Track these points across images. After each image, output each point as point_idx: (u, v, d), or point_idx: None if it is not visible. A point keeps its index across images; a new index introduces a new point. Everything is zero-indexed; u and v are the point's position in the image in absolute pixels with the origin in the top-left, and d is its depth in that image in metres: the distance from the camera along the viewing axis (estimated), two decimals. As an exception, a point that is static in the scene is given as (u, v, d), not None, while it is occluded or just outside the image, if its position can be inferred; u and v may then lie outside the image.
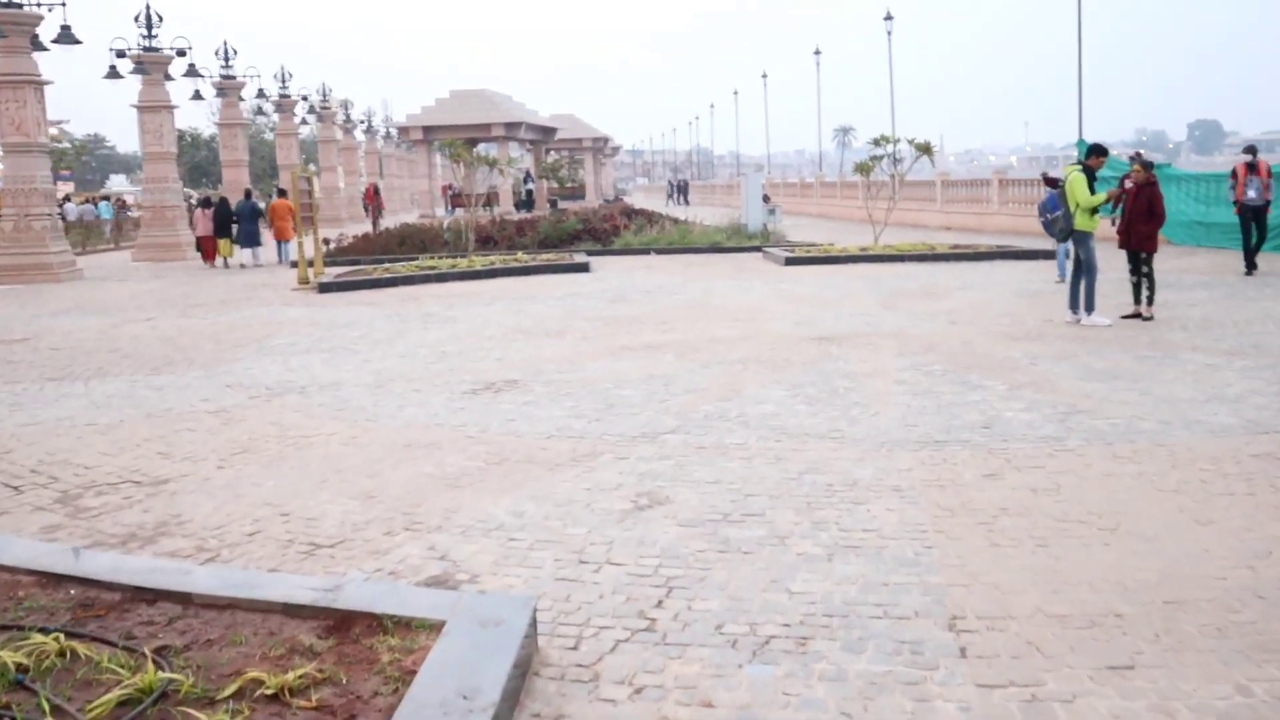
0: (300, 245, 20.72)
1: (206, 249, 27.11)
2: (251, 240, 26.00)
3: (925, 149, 23.09)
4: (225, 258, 26.41)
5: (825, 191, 47.33)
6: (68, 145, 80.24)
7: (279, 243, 26.13)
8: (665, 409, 8.43)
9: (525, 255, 22.59)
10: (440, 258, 22.76)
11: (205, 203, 27.60)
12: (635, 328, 13.09)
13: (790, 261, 21.50)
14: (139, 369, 11.23)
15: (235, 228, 26.18)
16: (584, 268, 21.33)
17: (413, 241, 26.34)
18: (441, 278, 20.21)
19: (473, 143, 46.40)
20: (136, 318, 16.13)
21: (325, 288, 19.20)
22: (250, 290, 20.04)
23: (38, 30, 23.96)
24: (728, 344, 11.55)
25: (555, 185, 56.35)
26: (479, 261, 21.58)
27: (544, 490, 6.33)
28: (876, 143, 23.81)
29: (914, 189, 32.89)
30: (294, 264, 21.61)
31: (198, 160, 66.41)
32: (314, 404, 9.09)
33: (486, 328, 13.53)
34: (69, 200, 48.07)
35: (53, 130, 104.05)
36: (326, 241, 27.47)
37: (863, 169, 25.14)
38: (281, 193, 27.97)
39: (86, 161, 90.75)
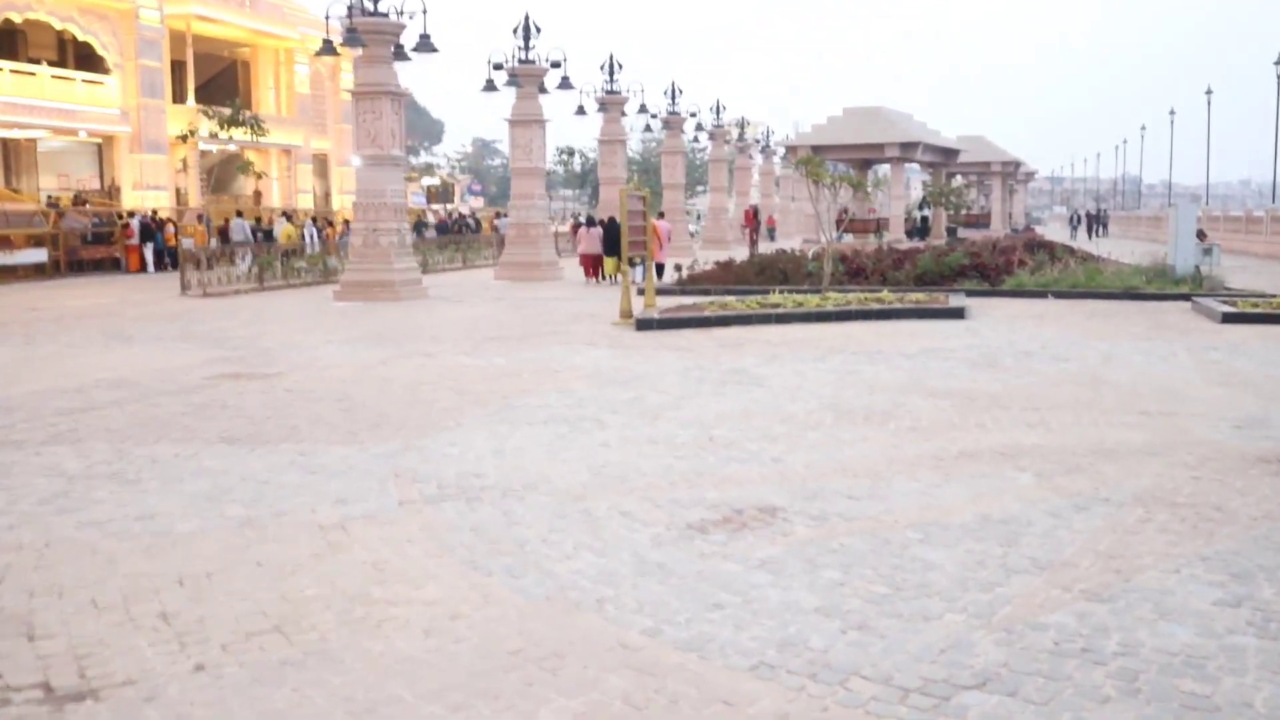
0: (625, 274, 18.27)
1: (587, 266, 27.31)
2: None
3: None
4: (611, 275, 25.62)
5: (1278, 228, 39.97)
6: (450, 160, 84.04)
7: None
8: (990, 604, 4.90)
9: (890, 294, 19.02)
10: (796, 292, 19.65)
11: (589, 221, 27.65)
12: (991, 415, 9.39)
13: (1229, 319, 16.68)
14: (330, 434, 8.89)
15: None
16: (958, 313, 17.53)
17: (772, 271, 23.37)
18: (782, 318, 17.10)
19: (865, 164, 43.04)
20: (417, 351, 14.14)
21: (643, 325, 16.58)
22: (571, 321, 17.82)
23: (400, 40, 23.16)
24: (1123, 461, 7.68)
25: (955, 212, 51.68)
26: (832, 300, 18.27)
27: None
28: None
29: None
30: (640, 291, 19.33)
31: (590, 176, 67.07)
32: (465, 527, 6.24)
33: (792, 399, 10.27)
34: (459, 215, 49.37)
35: (465, 146, 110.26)
36: (679, 268, 25.22)
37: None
38: (659, 214, 27.66)
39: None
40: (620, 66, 36.72)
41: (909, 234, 43.32)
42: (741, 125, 56.33)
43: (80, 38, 36.61)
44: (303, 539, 6.01)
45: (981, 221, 53.40)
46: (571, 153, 75.42)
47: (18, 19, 34.62)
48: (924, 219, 47.53)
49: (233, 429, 9.11)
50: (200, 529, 6.23)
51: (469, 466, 7.68)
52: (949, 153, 45.93)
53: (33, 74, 35.39)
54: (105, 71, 37.32)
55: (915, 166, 47.63)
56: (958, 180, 57.19)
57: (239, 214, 33.48)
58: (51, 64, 37.08)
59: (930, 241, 35.84)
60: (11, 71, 34.70)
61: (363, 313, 19.79)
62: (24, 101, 34.44)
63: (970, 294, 20.41)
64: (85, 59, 38.06)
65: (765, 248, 34.35)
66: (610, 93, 36.58)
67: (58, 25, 35.80)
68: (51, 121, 35.88)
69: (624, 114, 37.98)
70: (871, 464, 7.67)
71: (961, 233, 44.86)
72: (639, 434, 8.75)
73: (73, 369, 12.86)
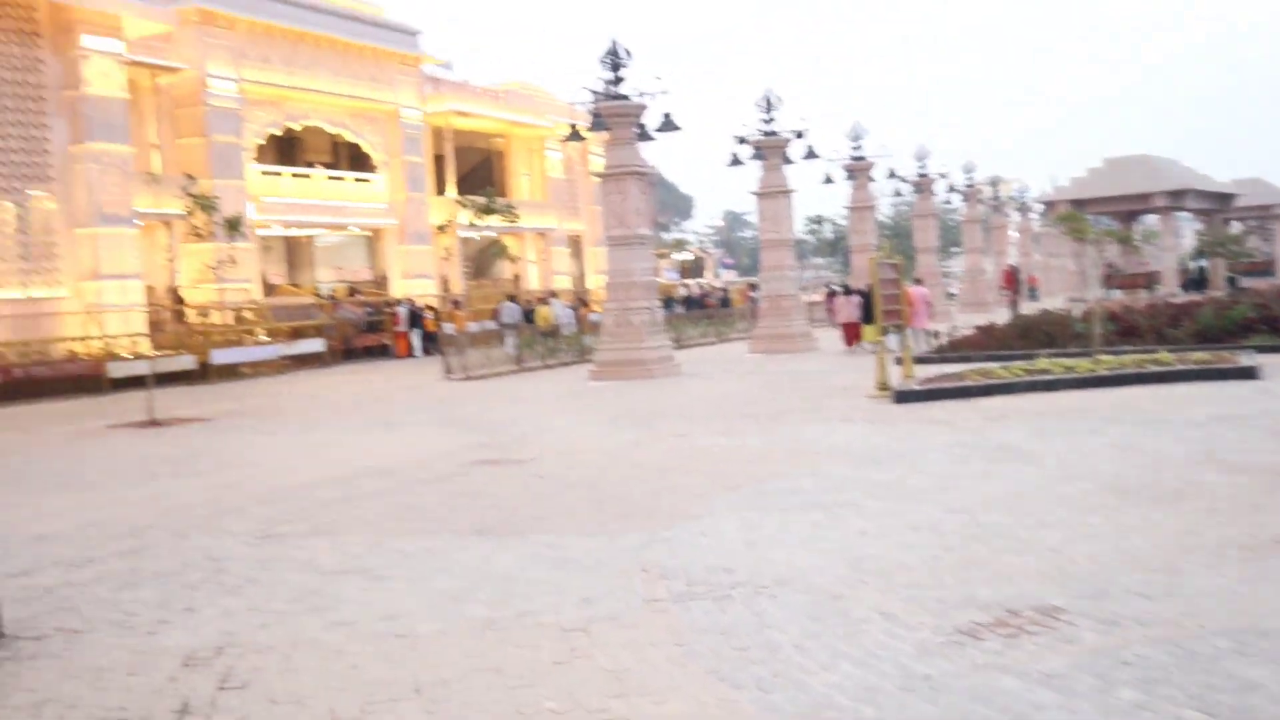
0: (880, 344, 17.62)
1: (847, 335, 27.34)
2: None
3: None
4: (869, 342, 25.19)
5: None
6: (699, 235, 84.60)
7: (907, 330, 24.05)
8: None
9: (1169, 355, 17.60)
10: (1063, 356, 18.51)
11: (845, 289, 27.97)
12: (1304, 493, 8.34)
13: None
14: (579, 524, 8.72)
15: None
16: (1248, 373, 16.04)
17: (1036, 334, 22.16)
18: (1050, 385, 16.05)
19: (1130, 215, 40.87)
20: (669, 431, 13.97)
21: (902, 397, 15.89)
22: (826, 394, 17.32)
23: (643, 120, 23.47)
24: None
25: (1235, 260, 48.19)
26: (1105, 363, 17.05)
27: None
28: None
29: None
30: (898, 360, 18.66)
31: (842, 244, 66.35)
32: (713, 630, 5.86)
33: (1068, 478, 9.45)
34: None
35: (716, 220, 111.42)
36: (936, 334, 24.34)
37: None
38: (917, 281, 27.15)
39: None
40: (866, 132, 36.25)
41: (1184, 287, 40.69)
42: (994, 184, 54.52)
43: (350, 140, 39.00)
44: (544, 643, 5.78)
45: (1265, 269, 49.60)
46: (820, 221, 75.04)
47: (297, 128, 37.22)
48: (1200, 270, 44.58)
49: (485, 519, 9.08)
50: (442, 630, 6.09)
51: (718, 559, 7.32)
52: (1223, 197, 43.04)
53: (309, 176, 37.91)
54: (373, 169, 39.58)
55: (1186, 214, 44.74)
56: (1235, 226, 53.41)
57: (511, 298, 34.66)
58: (325, 166, 39.65)
59: (1209, 294, 33.46)
60: (292, 175, 37.28)
61: (617, 392, 19.88)
62: (303, 202, 36.88)
63: (1261, 350, 18.71)
64: (355, 159, 40.50)
65: (1027, 308, 32.83)
66: (856, 159, 36.13)
67: (331, 130, 38.25)
68: (327, 219, 38.25)
69: (871, 179, 37.37)
70: (1165, 554, 6.86)
71: (1243, 282, 41.73)
72: (900, 521, 8.19)
73: (341, 457, 13.30)
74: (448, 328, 30.96)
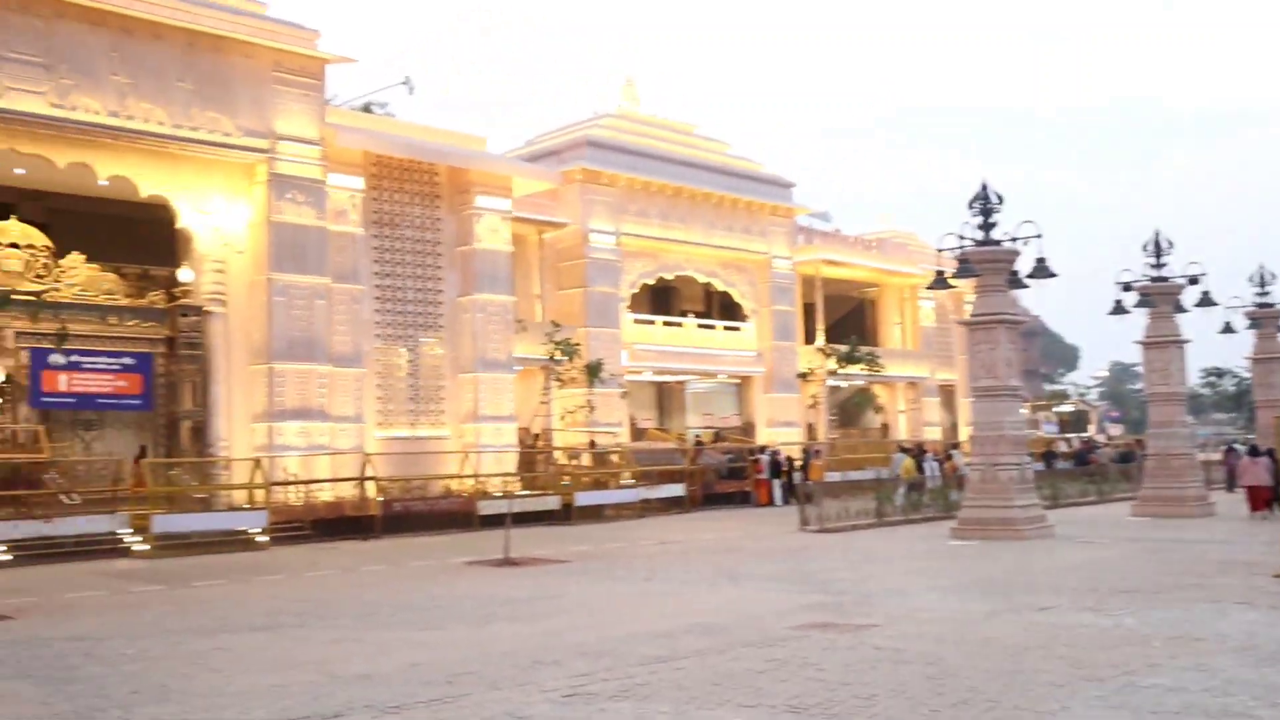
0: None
1: (1253, 500, 24.98)
2: None
3: None
4: None
5: None
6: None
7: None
8: None
9: None
10: None
11: (1253, 450, 26.51)
12: None
13: None
14: (903, 712, 7.72)
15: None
16: None
17: None
18: None
19: None
20: (1029, 604, 12.54)
21: (1314, 579, 13.64)
22: (1220, 570, 15.20)
23: (1015, 267, 22.25)
24: None
25: None
26: None
27: None
28: None
29: None
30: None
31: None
32: None
33: None
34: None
35: (1102, 370, 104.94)
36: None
37: None
38: None
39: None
40: (1274, 276, 32.84)
41: None
42: None
43: (721, 289, 39.77)
44: None
45: None
46: (1220, 374, 69.02)
47: (670, 277, 38.42)
48: None
49: (803, 694, 8.26)
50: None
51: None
52: None
53: (680, 325, 38.89)
54: (743, 318, 40.07)
55: None
56: None
57: (921, 448, 33.94)
58: (697, 314, 40.60)
59: None
60: (664, 324, 38.37)
61: (978, 554, 18.45)
62: (673, 349, 37.79)
63: None
64: (726, 307, 41.22)
65: None
66: (1262, 305, 32.70)
67: (702, 280, 39.19)
68: (696, 366, 38.96)
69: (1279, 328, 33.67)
70: None
71: None
72: (1305, 741, 6.67)
73: (675, 609, 12.87)
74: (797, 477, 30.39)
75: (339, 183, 26.62)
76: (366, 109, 37.93)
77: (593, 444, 31.89)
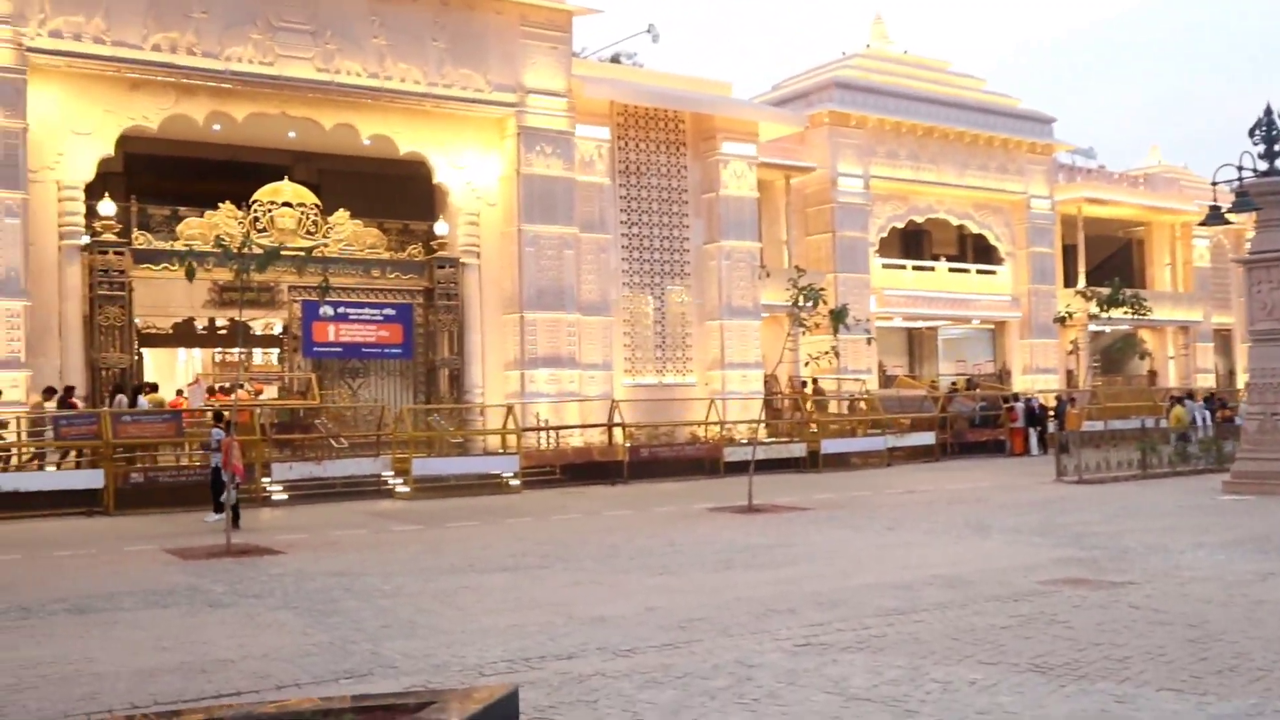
0: None
1: None
2: None
3: None
4: None
5: None
6: None
7: None
8: None
9: None
10: None
11: None
12: None
13: None
14: (1166, 674, 7.22)
15: None
16: None
17: None
18: None
19: None
20: (1310, 566, 11.58)
21: None
22: None
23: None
24: None
25: None
26: None
27: None
28: None
29: None
30: None
31: None
32: None
33: None
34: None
35: None
36: None
37: None
38: None
39: None
40: None
41: None
42: None
43: (975, 231, 38.36)
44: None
45: None
46: None
47: (920, 220, 37.31)
48: None
49: (1049, 653, 7.88)
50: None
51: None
52: None
53: (932, 269, 37.81)
54: (998, 261, 38.57)
55: None
56: None
57: (1189, 395, 32.30)
58: (949, 258, 39.33)
59: None
60: (914, 268, 37.38)
61: (1252, 509, 17.19)
62: (924, 294, 36.80)
63: None
64: (980, 251, 39.76)
65: None
66: None
67: (955, 222, 37.90)
68: (949, 311, 37.85)
69: None
70: None
71: None
72: None
73: (917, 560, 12.55)
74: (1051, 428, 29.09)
75: (586, 133, 27.03)
76: (614, 59, 38.36)
77: (819, 391, 31.52)
